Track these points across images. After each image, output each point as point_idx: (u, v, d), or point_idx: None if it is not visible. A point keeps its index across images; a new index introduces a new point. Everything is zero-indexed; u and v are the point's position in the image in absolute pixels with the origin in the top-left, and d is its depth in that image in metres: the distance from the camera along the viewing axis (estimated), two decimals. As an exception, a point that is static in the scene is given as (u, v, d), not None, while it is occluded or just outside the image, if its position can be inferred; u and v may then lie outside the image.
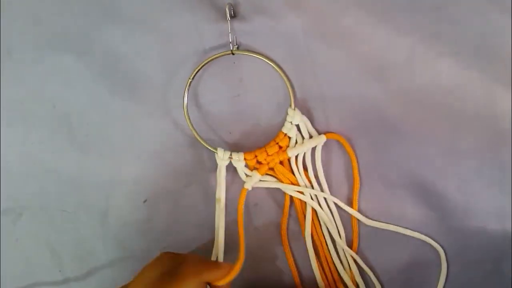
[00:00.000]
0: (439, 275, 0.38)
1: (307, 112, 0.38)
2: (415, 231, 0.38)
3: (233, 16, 0.36)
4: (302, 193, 0.38)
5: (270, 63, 0.37)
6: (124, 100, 0.39)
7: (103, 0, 0.37)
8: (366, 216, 0.38)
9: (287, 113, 0.37)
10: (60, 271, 0.42)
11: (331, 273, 0.39)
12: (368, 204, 0.38)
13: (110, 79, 0.38)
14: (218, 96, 0.38)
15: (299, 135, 0.38)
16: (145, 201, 0.40)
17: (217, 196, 0.38)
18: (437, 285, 0.38)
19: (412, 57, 0.35)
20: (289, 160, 0.38)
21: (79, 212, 0.41)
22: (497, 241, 0.37)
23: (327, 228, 0.39)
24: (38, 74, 0.39)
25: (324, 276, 0.39)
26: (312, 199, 0.38)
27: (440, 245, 0.37)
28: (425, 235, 0.37)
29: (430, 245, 0.38)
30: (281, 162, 0.38)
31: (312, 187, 0.39)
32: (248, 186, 0.38)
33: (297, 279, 0.40)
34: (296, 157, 0.38)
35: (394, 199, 0.38)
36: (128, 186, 0.40)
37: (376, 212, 0.38)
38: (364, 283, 0.39)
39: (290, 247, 0.39)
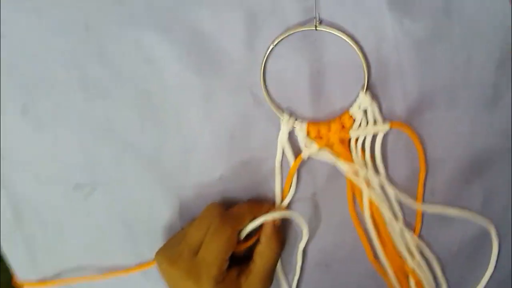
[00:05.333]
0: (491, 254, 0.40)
1: (379, 95, 0.38)
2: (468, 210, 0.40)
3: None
4: (357, 173, 0.39)
5: (350, 42, 0.37)
6: (207, 78, 0.39)
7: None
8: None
9: (357, 95, 0.38)
10: (134, 246, 0.43)
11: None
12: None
13: (194, 57, 0.38)
14: (297, 73, 0.38)
15: (365, 118, 0.38)
16: (219, 178, 0.41)
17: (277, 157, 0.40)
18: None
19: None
20: (349, 140, 0.39)
21: (155, 188, 0.41)
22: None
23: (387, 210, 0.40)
24: (118, 51, 0.38)
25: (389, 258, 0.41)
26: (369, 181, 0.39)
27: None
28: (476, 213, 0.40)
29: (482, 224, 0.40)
30: (341, 141, 0.39)
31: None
32: (304, 155, 0.39)
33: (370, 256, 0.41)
34: (357, 139, 0.39)
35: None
36: (202, 162, 0.40)
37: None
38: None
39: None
